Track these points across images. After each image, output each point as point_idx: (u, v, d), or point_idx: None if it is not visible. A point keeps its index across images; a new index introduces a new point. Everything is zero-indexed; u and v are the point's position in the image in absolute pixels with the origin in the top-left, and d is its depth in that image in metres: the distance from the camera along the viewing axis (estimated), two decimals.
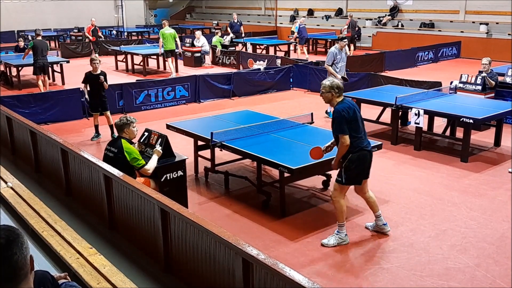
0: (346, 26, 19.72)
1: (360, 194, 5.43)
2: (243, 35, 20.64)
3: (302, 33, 18.83)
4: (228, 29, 20.62)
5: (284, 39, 22.31)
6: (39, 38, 12.64)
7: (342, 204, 5.20)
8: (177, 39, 15.39)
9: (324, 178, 6.74)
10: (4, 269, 1.83)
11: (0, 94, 12.04)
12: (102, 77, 8.83)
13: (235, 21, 20.47)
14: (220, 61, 18.16)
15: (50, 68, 14.52)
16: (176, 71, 15.74)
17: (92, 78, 8.90)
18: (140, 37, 24.73)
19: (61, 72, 14.63)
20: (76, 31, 25.73)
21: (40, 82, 12.56)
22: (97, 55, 9.29)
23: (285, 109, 11.07)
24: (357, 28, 19.96)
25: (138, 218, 4.45)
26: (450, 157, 7.99)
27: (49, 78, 13.58)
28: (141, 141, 5.91)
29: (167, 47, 15.20)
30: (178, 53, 15.73)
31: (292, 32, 19.81)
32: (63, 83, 14.45)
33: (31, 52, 12.49)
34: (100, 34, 20.02)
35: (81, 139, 9.27)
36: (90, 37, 19.22)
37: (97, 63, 8.90)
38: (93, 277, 3.81)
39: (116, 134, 8.52)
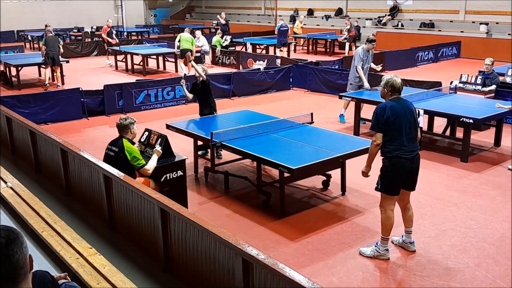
0: (348, 27, 19.71)
1: (397, 202, 5.07)
2: (221, 26, 20.69)
3: (279, 35, 18.51)
4: (219, 27, 20.65)
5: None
6: (50, 34, 14.22)
7: (387, 217, 4.88)
8: (193, 46, 15.77)
9: (324, 178, 6.74)
10: (4, 268, 1.83)
11: (0, 94, 12.04)
12: (204, 90, 8.02)
13: (221, 20, 20.57)
14: (220, 61, 18.16)
15: (50, 68, 14.42)
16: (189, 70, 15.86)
17: (195, 87, 8.08)
18: (139, 37, 24.73)
19: (61, 72, 14.63)
20: (76, 31, 25.73)
21: (47, 72, 13.91)
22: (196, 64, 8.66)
23: (285, 109, 11.06)
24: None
25: (138, 218, 4.45)
26: (450, 157, 7.99)
27: (61, 73, 14.52)
28: (141, 141, 5.91)
29: (184, 47, 15.52)
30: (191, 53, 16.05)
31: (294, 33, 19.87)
32: (63, 83, 14.45)
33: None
34: (114, 36, 18.53)
35: (81, 139, 9.26)
36: (110, 40, 17.97)
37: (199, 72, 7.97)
38: (93, 277, 3.81)
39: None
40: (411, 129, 4.82)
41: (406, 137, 4.76)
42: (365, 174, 5.00)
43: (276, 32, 18.97)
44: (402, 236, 5.21)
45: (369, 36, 10.21)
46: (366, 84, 9.82)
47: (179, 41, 15.82)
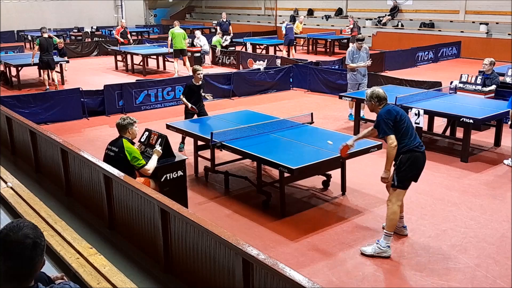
0: (352, 26, 19.71)
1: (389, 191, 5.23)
2: (231, 34, 20.42)
3: (287, 33, 18.71)
4: (218, 28, 20.47)
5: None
6: (45, 35, 13.41)
7: (394, 211, 4.98)
8: (186, 40, 15.49)
9: (324, 178, 6.74)
10: (26, 268, 1.95)
11: (0, 94, 12.04)
12: (202, 90, 8.23)
13: (224, 20, 20.40)
14: (220, 61, 18.16)
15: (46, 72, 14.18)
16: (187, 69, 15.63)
17: (194, 90, 8.21)
18: (140, 37, 24.72)
19: (61, 72, 14.63)
20: (76, 31, 25.72)
21: (45, 76, 13.44)
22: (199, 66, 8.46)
23: (285, 109, 11.07)
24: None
25: (138, 218, 4.45)
26: (450, 157, 7.99)
27: (61, 73, 14.22)
28: (141, 141, 5.91)
29: (177, 47, 15.27)
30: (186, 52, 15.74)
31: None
32: (63, 83, 14.45)
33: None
34: (129, 36, 18.73)
35: (81, 139, 9.26)
36: (122, 40, 17.98)
37: (201, 74, 8.19)
38: (93, 277, 3.81)
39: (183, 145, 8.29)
40: (413, 126, 5.11)
41: (412, 132, 5.03)
42: (385, 179, 5.09)
43: (284, 32, 18.90)
44: None
45: (358, 36, 10.37)
46: (367, 63, 9.95)
47: (172, 38, 15.36)
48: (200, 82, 8.26)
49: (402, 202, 5.19)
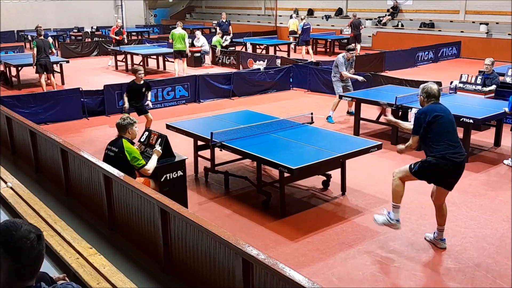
0: (349, 27, 19.64)
1: (433, 200, 5.23)
2: (231, 35, 20.23)
3: (302, 34, 18.56)
4: (218, 28, 20.37)
5: (284, 39, 22.29)
6: (41, 37, 12.88)
7: (398, 184, 4.98)
8: (186, 40, 15.23)
9: (324, 178, 6.74)
10: (37, 262, 1.95)
11: (0, 94, 12.03)
12: (144, 89, 8.74)
13: (224, 20, 20.33)
14: (220, 61, 18.16)
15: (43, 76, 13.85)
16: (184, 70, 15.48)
17: (135, 89, 8.69)
18: (140, 37, 24.72)
19: (61, 72, 14.62)
20: (76, 31, 25.73)
21: (42, 81, 12.83)
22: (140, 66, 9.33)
23: (285, 109, 11.07)
24: (362, 27, 19.77)
25: (138, 218, 4.45)
26: None
27: (54, 77, 13.32)
28: (141, 141, 5.91)
29: (177, 47, 15.16)
30: (186, 54, 15.46)
31: (293, 32, 19.65)
32: (63, 83, 14.45)
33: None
34: (124, 36, 18.30)
35: (81, 139, 9.26)
36: (117, 38, 17.70)
37: (142, 75, 8.69)
38: (93, 277, 3.81)
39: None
40: (454, 131, 4.94)
41: (451, 137, 4.86)
42: (400, 151, 5.19)
43: (299, 32, 18.73)
44: (434, 232, 5.25)
45: (348, 46, 10.38)
46: (361, 78, 10.03)
47: (172, 40, 15.26)
48: (142, 82, 8.70)
49: (443, 212, 5.14)
